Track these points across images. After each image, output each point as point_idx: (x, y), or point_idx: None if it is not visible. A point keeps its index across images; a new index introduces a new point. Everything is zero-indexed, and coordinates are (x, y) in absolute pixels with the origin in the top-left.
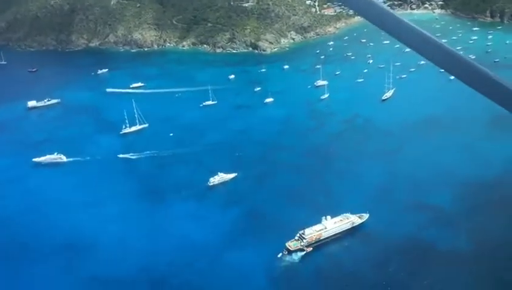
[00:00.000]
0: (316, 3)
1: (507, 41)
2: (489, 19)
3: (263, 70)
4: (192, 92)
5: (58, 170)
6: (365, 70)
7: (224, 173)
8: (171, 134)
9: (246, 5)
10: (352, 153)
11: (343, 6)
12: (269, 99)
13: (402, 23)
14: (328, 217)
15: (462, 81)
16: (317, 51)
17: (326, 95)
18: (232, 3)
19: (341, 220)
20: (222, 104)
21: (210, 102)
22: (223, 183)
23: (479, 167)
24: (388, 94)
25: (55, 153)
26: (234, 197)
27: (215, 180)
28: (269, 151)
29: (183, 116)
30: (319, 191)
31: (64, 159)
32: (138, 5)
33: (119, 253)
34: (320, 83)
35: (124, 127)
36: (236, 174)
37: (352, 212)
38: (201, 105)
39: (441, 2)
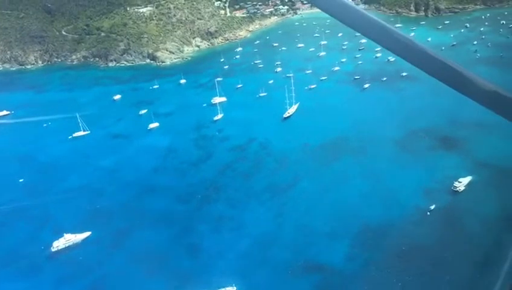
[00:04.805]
0: (226, 4)
1: (429, 39)
2: (413, 14)
3: (155, 86)
4: (65, 120)
5: None
6: (270, 82)
7: (74, 233)
8: (21, 180)
9: (144, 10)
10: (238, 192)
11: (257, 7)
12: (154, 125)
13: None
14: None
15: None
16: (222, 60)
17: (220, 116)
18: (128, 8)
19: None
20: (96, 134)
21: (81, 132)
22: (70, 248)
23: (386, 206)
24: (291, 110)
25: None
26: (74, 270)
27: (59, 243)
28: (138, 197)
29: (44, 153)
30: (185, 255)
31: None
32: (22, 15)
33: None
34: (217, 100)
35: None
36: (89, 233)
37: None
38: (70, 137)
39: None
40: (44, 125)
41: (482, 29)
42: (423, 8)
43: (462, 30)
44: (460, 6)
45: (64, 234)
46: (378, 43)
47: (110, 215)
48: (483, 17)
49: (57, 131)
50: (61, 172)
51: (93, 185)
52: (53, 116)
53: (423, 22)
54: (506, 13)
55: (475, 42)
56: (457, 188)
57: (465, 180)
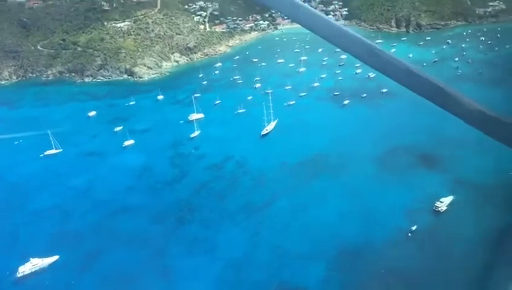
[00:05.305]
0: (206, 20)
1: (410, 55)
2: (394, 29)
3: (132, 103)
4: (38, 137)
5: None
6: (249, 98)
7: (41, 257)
8: None
9: (121, 25)
10: (213, 212)
11: (237, 22)
12: (129, 142)
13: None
14: None
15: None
16: (201, 75)
17: (197, 133)
18: (105, 23)
19: None
20: (68, 152)
21: (53, 150)
22: (36, 273)
23: (365, 226)
24: (269, 127)
25: None
26: None
27: (25, 268)
28: (110, 218)
29: (13, 172)
30: (157, 278)
31: None
32: None
33: None
34: (195, 116)
35: None
36: (57, 257)
37: None
38: (41, 155)
39: (345, 13)
40: (16, 143)
41: (463, 45)
42: (404, 24)
43: (444, 46)
44: (442, 23)
45: (31, 259)
46: (359, 59)
47: (80, 237)
48: (464, 33)
49: (28, 149)
50: (30, 192)
51: (63, 206)
52: (25, 134)
53: (404, 38)
54: (485, 29)
55: (456, 59)
56: (439, 208)
57: (447, 200)
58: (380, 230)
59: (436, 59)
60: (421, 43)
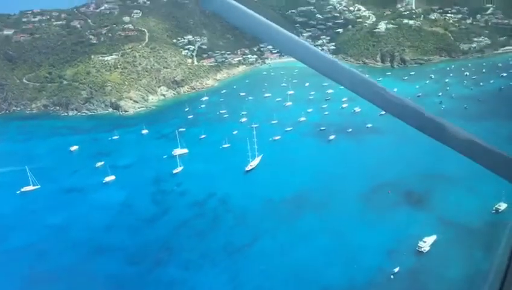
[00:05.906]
0: (194, 53)
1: (395, 89)
2: (379, 64)
3: (116, 137)
4: (16, 173)
5: None
6: (235, 132)
7: None
8: None
9: (108, 58)
10: (192, 253)
11: (225, 56)
12: (110, 178)
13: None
14: None
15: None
16: (187, 109)
17: (180, 168)
18: (92, 56)
19: None
20: (46, 189)
21: (31, 187)
22: None
23: (348, 268)
24: (254, 163)
25: None
26: None
27: None
28: (86, 259)
29: None
30: None
31: None
32: None
33: None
34: (178, 151)
35: None
36: None
37: None
38: (18, 192)
39: (332, 47)
40: None
41: (446, 80)
42: (389, 59)
43: (427, 81)
44: (425, 58)
45: None
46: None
47: (53, 280)
48: (448, 68)
49: (4, 185)
50: (3, 231)
51: (37, 246)
52: (3, 169)
53: (389, 73)
54: (469, 64)
55: (440, 93)
56: (422, 249)
57: (430, 240)
58: (363, 272)
59: (419, 94)
60: (406, 77)
